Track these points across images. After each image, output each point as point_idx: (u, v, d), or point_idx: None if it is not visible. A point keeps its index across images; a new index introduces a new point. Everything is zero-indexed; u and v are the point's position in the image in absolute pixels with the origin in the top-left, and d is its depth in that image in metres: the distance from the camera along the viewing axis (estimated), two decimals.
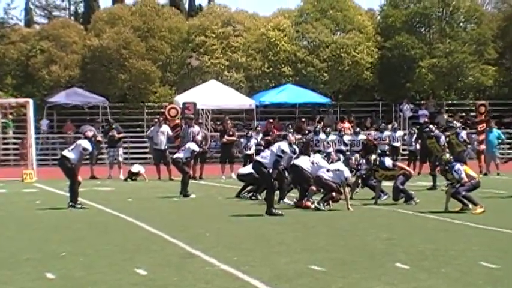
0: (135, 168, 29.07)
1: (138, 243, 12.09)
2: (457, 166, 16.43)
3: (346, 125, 36.54)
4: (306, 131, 31.15)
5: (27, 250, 11.51)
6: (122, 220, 15.70)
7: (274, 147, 16.61)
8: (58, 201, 18.96)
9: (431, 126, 24.53)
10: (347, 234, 13.02)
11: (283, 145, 16.62)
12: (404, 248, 11.28)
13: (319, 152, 24.48)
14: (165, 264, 10.11)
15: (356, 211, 16.67)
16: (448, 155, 17.28)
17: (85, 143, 18.17)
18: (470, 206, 16.13)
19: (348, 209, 16.72)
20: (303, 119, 34.81)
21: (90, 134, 18.86)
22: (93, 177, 28.81)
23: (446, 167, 16.55)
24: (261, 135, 30.56)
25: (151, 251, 11.25)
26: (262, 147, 26.78)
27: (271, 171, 16.31)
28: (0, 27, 47.88)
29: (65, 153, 18.26)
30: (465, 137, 23.30)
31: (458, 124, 25.79)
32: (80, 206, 17.82)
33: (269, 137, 30.20)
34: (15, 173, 29.59)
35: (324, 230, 13.65)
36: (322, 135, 28.22)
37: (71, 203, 17.85)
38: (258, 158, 16.99)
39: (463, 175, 16.27)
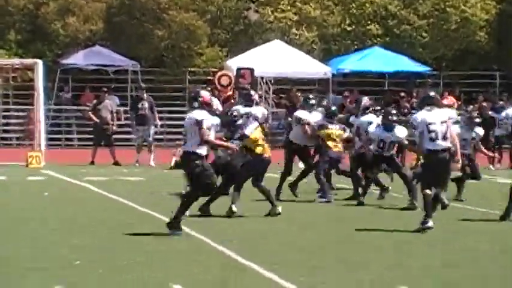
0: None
1: (177, 249, 12.18)
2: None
3: (445, 101, 36.19)
4: (405, 109, 30.86)
5: (34, 257, 11.67)
6: (154, 219, 15.78)
7: None
8: (71, 193, 19.15)
9: None
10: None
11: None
12: None
13: None
14: (209, 280, 10.17)
15: None
16: None
17: (196, 113, 14.66)
18: None
19: None
20: (402, 94, 34.45)
21: (207, 98, 15.14)
22: (116, 163, 28.98)
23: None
24: None
25: (191, 262, 11.30)
26: None
27: None
28: None
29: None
30: None
31: None
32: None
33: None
34: (18, 155, 29.86)
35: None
36: None
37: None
38: None
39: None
